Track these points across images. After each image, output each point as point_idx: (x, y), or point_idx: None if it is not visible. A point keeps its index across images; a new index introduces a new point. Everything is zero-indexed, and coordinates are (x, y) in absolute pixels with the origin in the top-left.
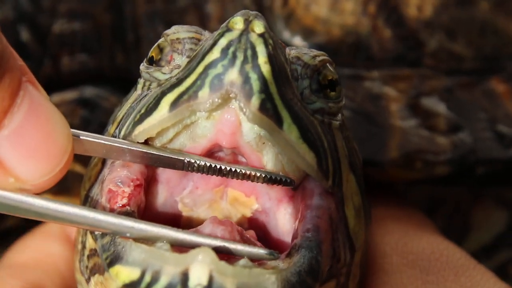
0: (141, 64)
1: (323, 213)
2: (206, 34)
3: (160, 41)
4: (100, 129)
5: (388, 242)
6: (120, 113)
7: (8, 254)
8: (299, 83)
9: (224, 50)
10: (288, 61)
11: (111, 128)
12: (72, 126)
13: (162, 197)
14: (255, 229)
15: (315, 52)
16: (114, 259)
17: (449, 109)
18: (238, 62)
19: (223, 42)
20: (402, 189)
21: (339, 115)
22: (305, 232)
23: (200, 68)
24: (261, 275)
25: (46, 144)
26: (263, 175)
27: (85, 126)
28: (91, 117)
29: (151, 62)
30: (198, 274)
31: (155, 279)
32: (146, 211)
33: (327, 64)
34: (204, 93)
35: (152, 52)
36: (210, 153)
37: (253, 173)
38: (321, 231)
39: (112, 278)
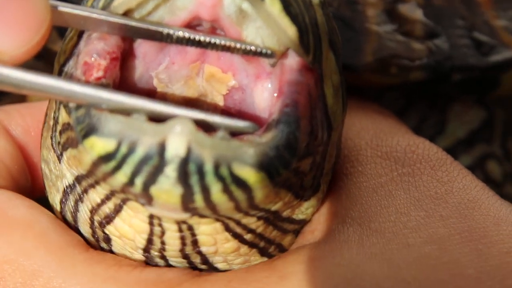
0: None
1: (302, 89)
2: None
3: None
4: None
5: (362, 137)
6: None
7: None
8: None
9: None
10: None
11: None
12: None
13: (138, 72)
14: (231, 107)
15: None
16: (89, 131)
17: (426, 15)
18: None
19: None
20: (377, 95)
21: None
22: (284, 107)
23: None
24: (239, 147)
25: (23, 14)
26: (243, 47)
27: None
28: None
29: None
30: (176, 145)
31: (131, 150)
32: (120, 86)
33: None
34: None
35: None
36: (188, 27)
37: (232, 45)
38: (300, 107)
39: (87, 150)
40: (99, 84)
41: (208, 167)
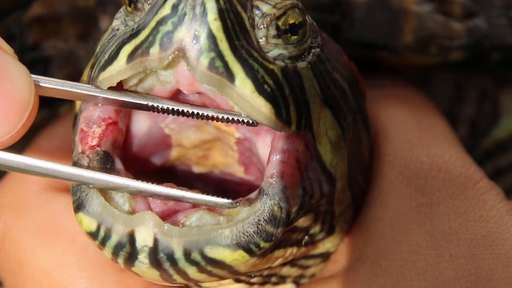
0: (119, 10)
1: (289, 157)
2: None
3: None
4: (117, 10)
5: (387, 153)
6: (98, 46)
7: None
8: (256, 33)
9: (175, 6)
10: (247, 7)
11: (91, 59)
12: (87, 8)
13: (146, 125)
14: (244, 151)
15: None
16: (79, 206)
17: None
18: (187, 19)
19: None
20: (423, 78)
21: (306, 54)
22: (269, 178)
23: (152, 23)
24: (212, 230)
25: (4, 103)
26: (225, 117)
27: (101, 7)
28: None
29: (130, 1)
30: (143, 236)
31: (107, 235)
32: (132, 138)
33: (289, 10)
34: (154, 50)
35: None
36: (179, 92)
37: (215, 115)
38: (285, 176)
39: (79, 222)
40: (94, 153)
41: (178, 255)
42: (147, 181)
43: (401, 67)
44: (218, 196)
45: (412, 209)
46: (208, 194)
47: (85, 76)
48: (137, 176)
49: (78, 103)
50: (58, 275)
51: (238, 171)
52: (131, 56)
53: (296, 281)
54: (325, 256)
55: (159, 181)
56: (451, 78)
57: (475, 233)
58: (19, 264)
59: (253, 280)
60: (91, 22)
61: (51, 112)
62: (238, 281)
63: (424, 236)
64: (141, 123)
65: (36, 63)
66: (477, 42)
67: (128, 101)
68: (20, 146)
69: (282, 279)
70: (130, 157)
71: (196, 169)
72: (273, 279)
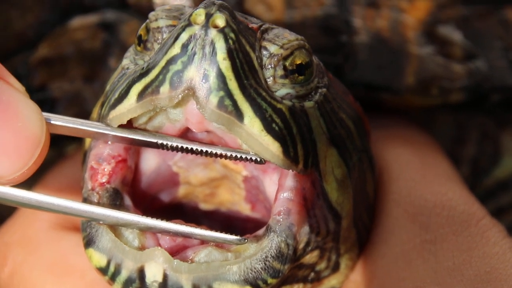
0: (129, 49)
1: (296, 194)
2: (186, 10)
3: (147, 21)
4: (122, 52)
5: (392, 191)
6: (108, 84)
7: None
8: (264, 72)
9: (185, 46)
10: (256, 48)
11: (101, 98)
12: (93, 50)
13: (155, 163)
14: (251, 188)
15: (288, 37)
16: (89, 242)
17: (465, 37)
18: (197, 59)
19: (184, 37)
20: (423, 119)
21: (313, 93)
22: (276, 215)
23: (162, 62)
24: (221, 266)
25: (16, 140)
26: (234, 155)
27: (107, 49)
28: (112, 40)
29: (140, 40)
30: (153, 272)
31: (118, 271)
32: (141, 176)
33: (296, 51)
34: (164, 89)
35: (141, 31)
36: (188, 130)
37: (223, 153)
38: (293, 214)
39: (89, 258)
40: (104, 190)
41: None
42: (156, 218)
43: (403, 108)
44: (225, 232)
45: (417, 245)
46: (215, 230)
47: (94, 114)
48: (145, 212)
49: (87, 141)
50: None
51: (245, 209)
52: (141, 95)
53: None
54: None
55: (166, 217)
56: (453, 119)
57: (479, 269)
58: None
59: None
60: (96, 64)
61: (58, 151)
62: None
63: (428, 272)
64: (150, 161)
65: (42, 104)
66: (477, 84)
67: (138, 139)
68: (28, 184)
69: None
70: (139, 194)
71: (203, 206)
72: None
